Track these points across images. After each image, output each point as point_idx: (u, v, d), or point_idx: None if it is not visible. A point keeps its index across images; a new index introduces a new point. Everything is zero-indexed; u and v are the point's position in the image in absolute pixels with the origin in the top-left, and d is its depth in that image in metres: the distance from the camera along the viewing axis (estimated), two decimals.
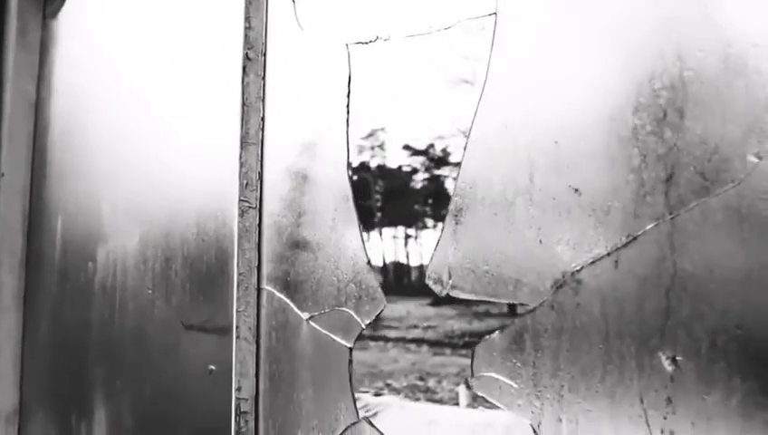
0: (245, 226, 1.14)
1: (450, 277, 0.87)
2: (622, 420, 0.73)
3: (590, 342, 0.75)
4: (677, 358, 0.69)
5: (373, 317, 0.97)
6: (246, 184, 1.15)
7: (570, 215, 0.78)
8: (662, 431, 0.70)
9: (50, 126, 1.87)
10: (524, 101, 0.83)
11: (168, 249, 1.36)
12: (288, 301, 1.09)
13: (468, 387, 0.86)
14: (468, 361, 0.85)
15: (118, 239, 1.53)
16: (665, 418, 0.70)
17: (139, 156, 1.53)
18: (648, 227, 0.72)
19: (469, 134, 0.87)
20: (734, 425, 0.66)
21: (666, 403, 0.70)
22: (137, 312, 1.43)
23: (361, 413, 0.98)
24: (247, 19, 1.19)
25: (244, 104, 1.16)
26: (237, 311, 1.12)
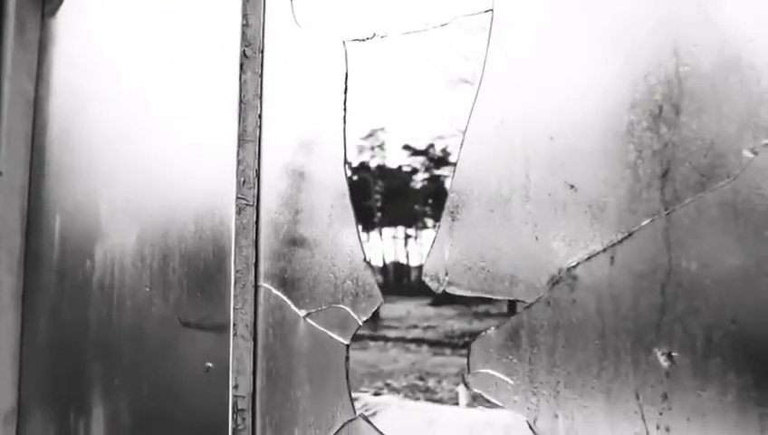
0: (243, 223, 1.14)
1: (447, 274, 0.87)
2: (618, 415, 0.73)
3: (585, 338, 0.75)
4: (673, 354, 0.69)
5: (370, 314, 0.97)
6: (244, 181, 1.15)
7: (565, 211, 0.78)
8: (658, 427, 0.70)
9: (48, 125, 1.87)
10: (520, 97, 0.83)
11: (166, 247, 1.36)
12: (285, 298, 1.09)
13: (467, 386, 0.86)
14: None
15: (116, 237, 1.53)
16: (660, 414, 0.70)
17: (138, 155, 1.53)
18: (644, 222, 0.72)
19: (465, 131, 0.87)
20: (729, 421, 0.66)
21: (661, 399, 0.70)
22: (134, 310, 1.43)
23: (360, 413, 0.98)
24: (245, 16, 1.19)
25: (241, 102, 1.16)
26: (234, 308, 1.12)
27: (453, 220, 0.88)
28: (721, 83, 0.68)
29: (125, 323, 1.47)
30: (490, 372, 0.82)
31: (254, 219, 1.14)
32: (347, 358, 0.99)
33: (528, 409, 0.79)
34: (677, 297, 0.69)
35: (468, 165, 0.87)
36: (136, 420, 1.41)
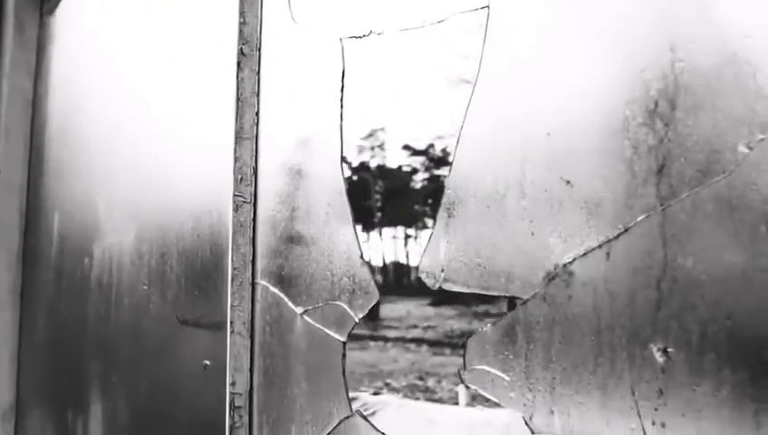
0: (240, 220, 1.14)
1: (443, 271, 0.87)
2: (614, 411, 0.73)
3: (581, 334, 0.75)
4: (668, 349, 0.69)
5: (367, 311, 0.97)
6: (241, 179, 1.15)
7: (561, 207, 0.78)
8: (653, 423, 0.70)
9: (47, 123, 1.87)
10: (517, 94, 0.83)
11: (164, 245, 1.36)
12: (282, 295, 1.09)
13: (463, 382, 0.86)
14: None
15: (114, 235, 1.53)
16: (656, 409, 0.70)
17: (136, 153, 1.53)
18: (640, 218, 0.72)
19: (462, 128, 0.87)
20: (724, 417, 0.66)
21: (657, 395, 0.70)
22: (132, 308, 1.43)
23: (357, 409, 0.98)
24: (242, 14, 1.19)
25: (238, 99, 1.16)
26: (232, 306, 1.12)
27: (449, 217, 0.88)
28: (716, 79, 0.68)
29: (123, 321, 1.47)
30: (486, 368, 0.82)
31: (252, 217, 1.14)
32: (344, 355, 0.99)
33: (524, 405, 0.79)
34: (673, 293, 0.69)
35: (465, 162, 0.87)
36: (133, 417, 1.41)
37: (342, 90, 1.04)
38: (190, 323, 1.27)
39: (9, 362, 1.79)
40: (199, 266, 1.26)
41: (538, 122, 0.81)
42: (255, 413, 1.10)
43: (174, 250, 1.33)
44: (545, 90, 0.81)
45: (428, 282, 0.88)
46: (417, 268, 0.89)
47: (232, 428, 1.09)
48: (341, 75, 1.05)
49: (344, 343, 0.99)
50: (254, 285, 1.13)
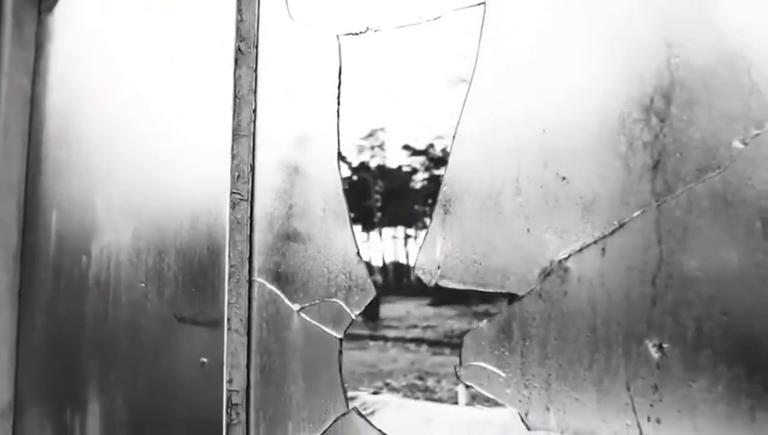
0: (237, 218, 1.14)
1: (439, 267, 0.87)
2: (609, 407, 0.73)
3: (577, 330, 0.75)
4: (664, 345, 0.69)
5: (363, 308, 0.97)
6: (238, 176, 1.15)
7: (557, 203, 0.78)
8: (648, 419, 0.70)
9: (45, 121, 1.87)
10: (513, 91, 0.83)
11: (161, 243, 1.36)
12: (279, 292, 1.09)
13: (459, 378, 0.86)
14: None
15: (112, 234, 1.53)
16: (651, 405, 0.70)
17: (134, 151, 1.53)
18: (635, 214, 0.72)
19: (458, 125, 0.87)
20: (719, 412, 0.66)
21: (652, 391, 0.70)
22: (130, 305, 1.43)
23: (353, 406, 0.98)
24: (239, 11, 1.19)
25: (236, 97, 1.16)
26: (229, 303, 1.12)
27: (445, 213, 0.88)
28: (711, 75, 0.68)
29: (121, 319, 1.47)
30: (482, 364, 0.82)
31: (249, 214, 1.14)
32: (340, 352, 0.99)
33: (520, 402, 0.79)
34: (668, 289, 0.69)
35: (461, 159, 0.87)
36: (131, 415, 1.41)
37: (339, 87, 1.04)
38: (188, 321, 1.27)
39: (7, 361, 1.79)
40: (197, 264, 1.26)
41: (534, 119, 0.81)
42: (252, 410, 1.10)
43: (172, 248, 1.33)
44: (542, 87, 0.81)
45: (425, 279, 0.88)
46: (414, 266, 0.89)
47: (229, 425, 1.09)
48: (338, 72, 1.05)
49: (341, 340, 0.99)
50: (251, 282, 1.13)
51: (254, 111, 1.17)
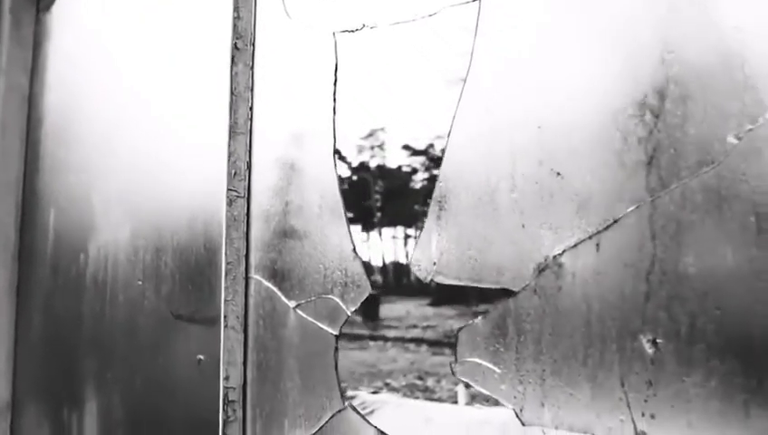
0: (234, 215, 1.14)
1: (435, 264, 0.87)
2: (604, 403, 0.73)
3: (571, 325, 0.75)
4: (658, 340, 0.69)
5: (359, 304, 0.97)
6: (235, 173, 1.15)
7: (552, 199, 0.78)
8: (643, 414, 0.70)
9: (43, 120, 1.87)
10: (508, 87, 0.83)
11: (159, 240, 1.36)
12: (275, 289, 1.09)
13: (454, 374, 0.86)
14: None
15: (109, 232, 1.53)
16: (645, 401, 0.70)
17: (131, 149, 1.53)
18: (629, 209, 0.72)
19: (453, 121, 0.87)
20: (713, 407, 0.66)
21: (646, 386, 0.70)
22: (127, 303, 1.44)
23: (349, 403, 0.98)
24: (236, 9, 1.19)
25: (232, 94, 1.17)
26: (225, 300, 1.12)
27: (441, 209, 0.88)
28: (706, 70, 0.68)
29: (118, 317, 1.47)
30: (477, 360, 0.82)
31: (245, 211, 1.14)
32: (336, 349, 0.99)
33: (515, 398, 0.79)
34: (662, 284, 0.69)
35: (456, 155, 0.87)
36: (129, 412, 1.41)
37: (335, 84, 1.04)
38: (185, 319, 1.27)
39: (5, 360, 1.79)
40: (194, 262, 1.26)
41: (529, 116, 0.81)
42: (249, 407, 1.10)
43: (169, 246, 1.33)
44: (537, 85, 0.81)
45: (421, 275, 0.88)
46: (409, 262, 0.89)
47: (225, 422, 1.10)
48: (334, 70, 1.05)
49: (336, 337, 0.99)
50: (247, 279, 1.13)
51: (251, 108, 1.17)
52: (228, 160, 1.15)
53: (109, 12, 1.68)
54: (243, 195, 1.14)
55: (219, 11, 1.23)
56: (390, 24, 0.95)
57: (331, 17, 1.07)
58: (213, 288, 1.19)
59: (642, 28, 0.73)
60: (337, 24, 1.05)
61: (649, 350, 0.70)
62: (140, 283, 1.40)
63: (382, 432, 0.93)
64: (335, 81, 1.04)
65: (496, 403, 0.82)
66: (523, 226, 0.80)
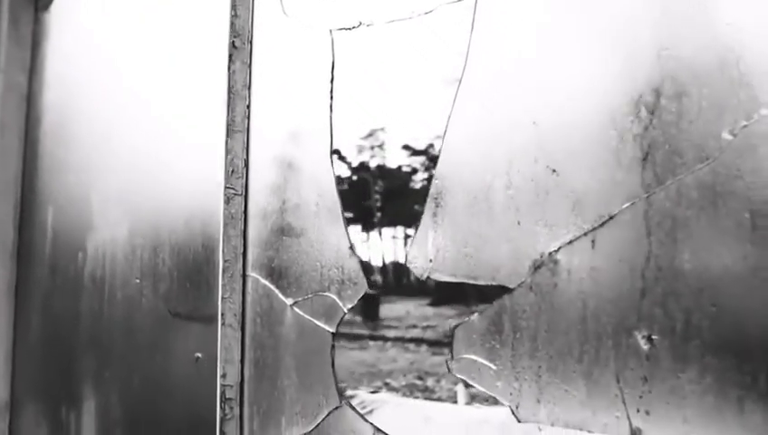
0: (231, 213, 1.14)
1: (431, 260, 0.87)
2: (599, 399, 0.73)
3: (567, 322, 0.75)
4: (653, 337, 0.69)
5: (356, 302, 0.97)
6: (232, 171, 1.15)
7: (548, 196, 0.78)
8: (638, 411, 0.70)
9: (42, 118, 1.88)
10: (503, 83, 0.83)
11: (156, 239, 1.36)
12: (273, 287, 1.09)
13: (450, 370, 0.86)
14: None
15: (107, 230, 1.53)
16: (640, 397, 0.70)
17: (129, 147, 1.53)
18: (625, 206, 0.72)
19: (449, 119, 0.87)
20: (708, 403, 0.66)
21: (642, 382, 0.70)
22: (125, 301, 1.44)
23: (345, 400, 0.98)
24: (234, 7, 1.19)
25: (230, 92, 1.17)
26: (223, 298, 1.12)
27: (437, 206, 0.88)
28: (701, 66, 0.68)
29: (116, 316, 1.47)
30: (473, 357, 0.82)
31: (243, 209, 1.14)
32: (333, 346, 0.99)
33: (510, 394, 0.79)
34: (658, 280, 0.69)
35: (452, 152, 0.87)
36: (126, 411, 1.41)
37: (332, 82, 1.04)
38: (182, 317, 1.27)
39: (4, 359, 1.79)
40: (191, 260, 1.26)
41: (524, 112, 0.81)
42: (246, 405, 1.10)
43: (166, 244, 1.34)
44: (532, 81, 0.81)
45: (417, 272, 0.88)
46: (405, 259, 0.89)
47: (223, 420, 1.10)
48: (331, 67, 1.05)
49: (333, 335, 0.99)
50: (244, 277, 1.13)
51: (249, 106, 1.17)
52: (226, 158, 1.15)
53: (107, 11, 1.69)
54: (240, 193, 1.14)
55: (217, 9, 1.24)
56: (387, 22, 0.95)
57: (328, 15, 1.07)
58: (210, 286, 1.19)
59: (637, 25, 0.73)
60: (334, 21, 1.05)
61: (645, 346, 0.70)
62: (138, 281, 1.40)
63: (379, 430, 0.93)
64: (332, 78, 1.04)
65: (496, 403, 0.82)
66: (519, 223, 0.80)
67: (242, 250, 1.13)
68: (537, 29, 0.81)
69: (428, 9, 0.90)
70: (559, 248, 0.76)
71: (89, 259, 1.58)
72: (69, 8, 1.85)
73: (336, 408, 0.98)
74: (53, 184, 1.79)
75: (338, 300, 0.99)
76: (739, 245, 0.65)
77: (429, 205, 0.88)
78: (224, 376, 1.10)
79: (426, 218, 0.88)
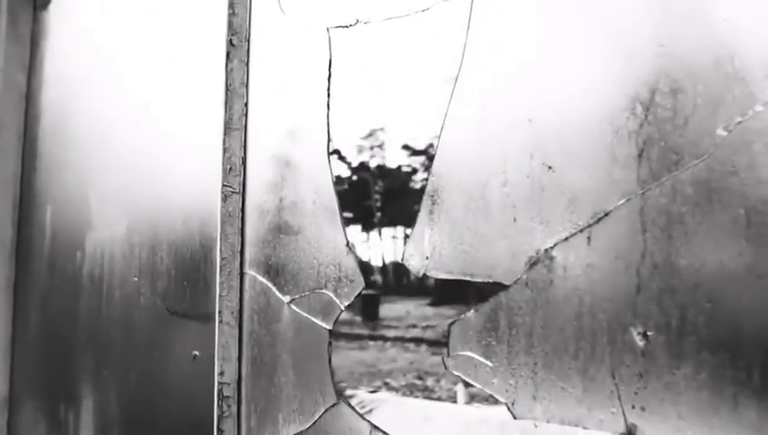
0: (228, 210, 1.14)
1: (427, 257, 0.87)
2: (595, 396, 0.73)
3: (563, 319, 0.75)
4: (648, 333, 0.69)
5: (352, 299, 0.97)
6: (230, 169, 1.15)
7: (543, 193, 0.78)
8: (633, 407, 0.70)
9: (40, 117, 1.88)
10: (499, 81, 0.83)
11: (155, 237, 1.36)
12: (270, 284, 1.09)
13: (446, 367, 0.86)
14: None
15: (105, 228, 1.53)
16: (636, 393, 0.70)
17: (129, 147, 1.53)
18: (620, 202, 0.72)
19: (445, 116, 0.87)
20: (703, 399, 0.66)
21: (637, 378, 0.70)
22: (123, 300, 1.44)
23: (345, 400, 0.98)
24: (231, 5, 1.19)
25: (228, 90, 1.17)
26: (220, 295, 1.12)
27: (433, 204, 0.88)
28: (695, 62, 0.68)
29: (114, 314, 1.47)
30: (469, 354, 0.82)
31: (240, 207, 1.14)
32: (329, 343, 0.99)
33: (507, 391, 0.79)
34: (653, 277, 0.69)
35: (448, 149, 0.87)
36: (124, 408, 1.41)
37: (329, 79, 1.04)
38: (180, 314, 1.27)
39: (2, 356, 1.79)
40: (189, 258, 1.26)
41: (520, 110, 0.81)
42: (244, 402, 1.11)
43: (164, 242, 1.34)
44: (528, 78, 0.81)
45: (413, 269, 0.88)
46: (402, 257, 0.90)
47: (220, 417, 1.10)
48: (328, 65, 1.05)
49: (330, 332, 0.99)
50: (242, 274, 1.13)
51: (246, 104, 1.17)
52: (223, 156, 1.15)
53: (106, 10, 1.69)
54: (238, 191, 1.14)
55: (215, 7, 1.24)
56: (383, 20, 0.95)
57: (325, 13, 1.07)
58: (208, 284, 1.19)
59: (633, 22, 0.73)
60: (331, 19, 1.05)
61: (640, 342, 0.70)
62: (136, 279, 1.40)
63: (376, 427, 0.93)
64: (329, 76, 1.04)
65: (495, 402, 0.82)
66: (515, 220, 0.80)
67: (239, 248, 1.13)
68: (534, 26, 0.81)
69: (425, 6, 0.90)
70: (555, 245, 0.76)
71: (87, 258, 1.58)
72: (68, 7, 1.85)
73: (333, 405, 0.98)
74: (52, 183, 1.79)
75: (334, 297, 0.99)
76: (734, 241, 0.65)
77: (426, 202, 0.89)
78: (221, 374, 1.10)
79: (422, 216, 0.89)
